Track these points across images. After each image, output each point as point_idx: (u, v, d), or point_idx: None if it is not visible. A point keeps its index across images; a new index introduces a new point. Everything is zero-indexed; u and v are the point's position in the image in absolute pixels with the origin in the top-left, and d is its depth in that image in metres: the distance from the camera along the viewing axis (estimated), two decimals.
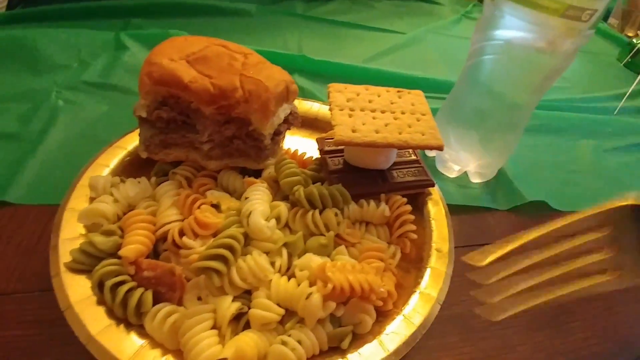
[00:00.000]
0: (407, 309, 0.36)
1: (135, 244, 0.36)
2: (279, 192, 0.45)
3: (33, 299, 0.38)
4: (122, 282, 0.34)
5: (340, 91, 0.47)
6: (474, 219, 0.53)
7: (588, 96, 0.83)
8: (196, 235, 0.38)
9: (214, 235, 0.39)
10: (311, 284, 0.35)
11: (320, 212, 0.41)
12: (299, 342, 0.32)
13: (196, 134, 0.44)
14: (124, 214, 0.40)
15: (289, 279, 0.36)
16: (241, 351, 0.30)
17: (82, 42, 0.72)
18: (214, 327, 0.33)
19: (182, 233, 0.38)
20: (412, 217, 0.44)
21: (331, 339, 0.34)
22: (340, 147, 0.47)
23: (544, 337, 0.41)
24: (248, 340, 0.31)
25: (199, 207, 0.39)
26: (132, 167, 0.47)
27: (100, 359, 0.30)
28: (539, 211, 0.54)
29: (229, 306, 0.33)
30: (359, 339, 0.35)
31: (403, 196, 0.45)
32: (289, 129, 0.50)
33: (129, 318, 0.33)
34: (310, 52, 0.78)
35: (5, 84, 0.62)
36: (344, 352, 0.33)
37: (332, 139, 0.49)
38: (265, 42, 0.82)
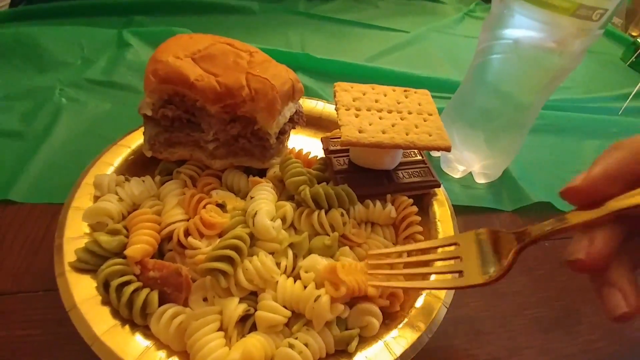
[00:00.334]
0: (414, 311, 0.36)
1: (141, 243, 0.36)
2: (284, 191, 0.45)
3: (38, 299, 0.38)
4: (127, 282, 0.34)
5: (347, 90, 0.46)
6: (479, 219, 0.53)
7: (592, 96, 0.82)
8: (202, 235, 0.38)
9: (220, 235, 0.38)
10: (317, 286, 0.35)
11: (326, 212, 0.41)
12: (306, 345, 0.32)
13: (201, 132, 0.44)
14: (129, 213, 0.40)
15: (294, 280, 0.36)
16: (248, 354, 0.30)
17: (85, 39, 0.72)
18: (220, 329, 0.33)
19: (187, 233, 0.38)
20: (418, 218, 0.44)
21: (338, 342, 0.33)
22: (345, 147, 0.47)
23: (551, 339, 0.41)
24: (255, 342, 0.31)
25: (204, 207, 0.39)
26: (136, 166, 0.47)
27: None
28: (544, 212, 0.54)
29: (235, 308, 0.33)
30: (365, 342, 0.34)
31: (409, 197, 0.45)
32: (294, 128, 0.49)
33: (135, 319, 0.33)
34: (313, 51, 0.77)
35: (9, 82, 0.62)
36: (350, 356, 0.33)
37: (337, 138, 0.49)
38: (268, 40, 0.82)
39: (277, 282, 0.35)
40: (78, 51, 0.70)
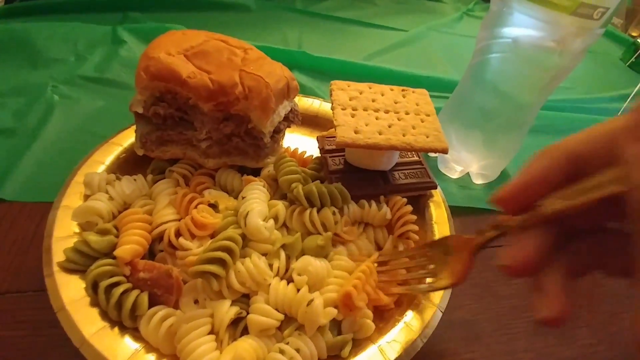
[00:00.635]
0: (408, 315, 0.35)
1: (131, 244, 0.35)
2: (277, 191, 0.44)
3: (27, 299, 0.37)
4: (117, 284, 0.33)
5: (343, 89, 0.46)
6: (476, 221, 0.52)
7: (591, 97, 0.82)
8: (193, 236, 0.37)
9: (212, 236, 0.38)
10: (311, 289, 0.34)
11: (318, 211, 0.40)
12: (297, 350, 0.31)
13: (194, 131, 0.43)
14: (120, 212, 0.40)
15: (287, 282, 0.35)
16: (239, 358, 0.29)
17: (78, 35, 0.71)
18: (211, 332, 0.32)
19: (178, 233, 0.37)
20: (413, 217, 0.43)
21: (330, 348, 0.33)
22: (339, 148, 0.46)
23: (548, 343, 0.40)
24: (246, 346, 0.30)
25: (196, 207, 0.38)
26: (128, 164, 0.46)
27: None
28: None
29: (227, 311, 0.32)
30: (359, 346, 0.34)
31: (404, 198, 0.44)
32: (289, 126, 0.48)
33: (124, 321, 0.32)
34: (310, 49, 0.77)
35: (1, 78, 0.61)
36: None
37: (333, 137, 0.48)
38: (265, 38, 0.81)
39: (269, 284, 0.35)
40: (71, 48, 0.69)
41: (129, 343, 0.31)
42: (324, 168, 0.46)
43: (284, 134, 0.49)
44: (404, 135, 0.42)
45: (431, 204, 0.46)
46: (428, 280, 0.34)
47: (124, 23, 0.77)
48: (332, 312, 0.33)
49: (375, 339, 0.34)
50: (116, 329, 0.32)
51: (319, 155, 0.48)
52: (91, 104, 0.60)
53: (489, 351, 0.39)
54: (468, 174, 0.57)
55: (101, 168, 0.44)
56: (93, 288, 0.33)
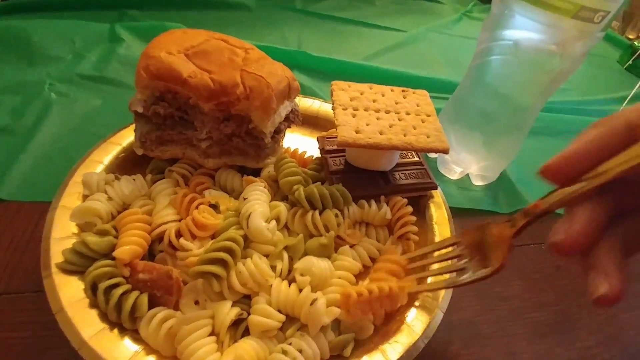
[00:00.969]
0: (410, 316, 0.35)
1: (131, 244, 0.35)
2: (278, 191, 0.44)
3: (25, 300, 0.37)
4: (116, 285, 0.33)
5: (344, 89, 0.46)
6: (476, 222, 0.51)
7: (589, 99, 0.82)
8: (194, 237, 0.37)
9: (212, 237, 0.37)
10: (313, 289, 0.34)
11: (320, 213, 0.40)
12: (300, 351, 0.31)
13: (194, 130, 0.43)
14: (119, 212, 0.39)
15: (289, 283, 0.35)
16: (240, 359, 0.29)
17: (76, 33, 0.71)
18: (212, 333, 0.32)
19: (179, 234, 0.37)
20: (413, 218, 0.43)
21: (333, 348, 0.33)
22: (340, 147, 0.46)
23: (548, 345, 0.40)
24: (248, 348, 0.30)
25: (197, 207, 0.38)
26: (127, 164, 0.45)
27: None
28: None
29: (228, 312, 0.32)
30: (361, 346, 0.34)
31: (405, 198, 0.44)
32: (290, 127, 0.48)
33: (123, 322, 0.32)
34: (310, 48, 0.76)
35: None
36: None
37: (333, 138, 0.48)
38: (264, 37, 0.81)
39: (271, 285, 0.34)
40: (69, 45, 0.68)
41: (128, 345, 0.31)
42: (325, 168, 0.46)
43: (285, 134, 0.49)
44: (404, 136, 0.42)
45: (432, 205, 0.46)
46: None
47: (122, 21, 0.77)
48: (335, 311, 0.33)
49: (377, 340, 0.34)
50: (116, 331, 0.32)
51: (319, 155, 0.48)
52: (89, 102, 0.59)
53: (489, 352, 0.39)
54: (468, 175, 0.57)
55: (100, 168, 0.43)
56: (92, 289, 0.33)
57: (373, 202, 0.43)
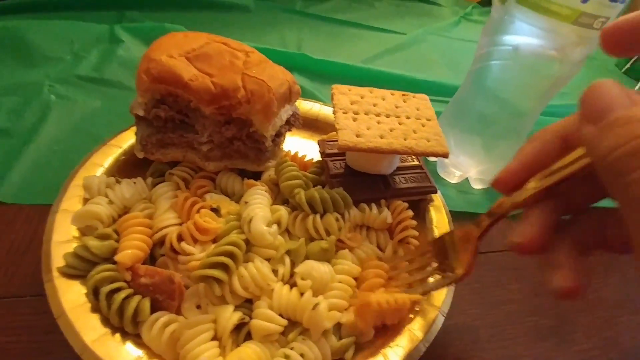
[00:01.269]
0: (411, 320, 0.35)
1: (132, 248, 0.35)
2: (278, 195, 0.44)
3: (25, 304, 0.37)
4: (118, 289, 0.33)
5: (344, 93, 0.46)
6: None
7: None
8: (195, 241, 0.37)
9: (214, 241, 0.37)
10: (315, 294, 0.34)
11: (321, 217, 0.40)
12: (302, 355, 0.31)
13: (195, 134, 0.43)
14: (120, 216, 0.39)
15: (290, 287, 0.35)
16: None
17: (75, 34, 0.70)
18: (214, 337, 0.32)
19: (180, 238, 0.37)
20: (414, 222, 0.43)
21: (335, 352, 0.33)
22: (341, 151, 0.46)
23: (547, 348, 0.41)
24: (250, 352, 0.30)
25: (198, 211, 0.38)
26: (127, 167, 0.45)
27: None
28: None
29: (230, 316, 0.32)
30: (362, 350, 0.34)
31: (405, 202, 0.44)
32: (290, 130, 0.48)
33: (125, 327, 0.32)
34: (309, 50, 0.76)
35: None
36: None
37: (333, 141, 0.48)
38: (263, 39, 0.81)
39: (272, 289, 0.34)
40: (68, 46, 0.68)
41: (130, 350, 0.31)
42: (325, 172, 0.46)
43: (285, 137, 0.49)
44: (405, 139, 0.42)
45: (431, 208, 0.47)
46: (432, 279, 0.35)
47: (122, 22, 0.77)
48: (337, 315, 0.33)
49: (379, 344, 0.34)
50: (118, 336, 0.32)
51: (320, 159, 0.48)
52: (88, 104, 0.59)
53: (488, 356, 0.39)
54: (467, 178, 0.57)
55: (100, 170, 0.43)
56: (94, 294, 0.33)
57: (374, 206, 0.43)
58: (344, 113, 0.43)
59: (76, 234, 0.37)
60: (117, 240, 0.36)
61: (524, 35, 0.41)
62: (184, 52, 0.42)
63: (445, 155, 0.42)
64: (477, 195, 0.56)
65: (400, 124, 0.44)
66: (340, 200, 0.40)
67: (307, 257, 0.38)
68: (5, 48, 0.65)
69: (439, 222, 0.45)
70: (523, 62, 0.43)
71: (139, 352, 0.31)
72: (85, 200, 0.40)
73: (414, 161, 0.49)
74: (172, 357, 0.31)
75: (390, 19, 1.01)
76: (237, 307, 0.34)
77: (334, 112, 0.44)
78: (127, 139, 0.47)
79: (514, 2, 0.41)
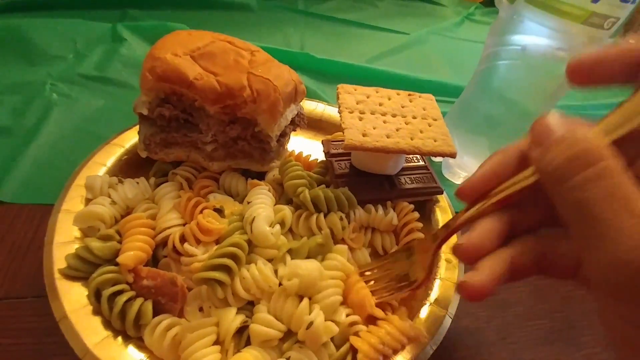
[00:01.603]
0: (418, 322, 0.35)
1: (135, 250, 0.34)
2: (282, 195, 0.44)
3: (26, 305, 0.36)
4: (120, 292, 0.32)
5: (350, 93, 0.45)
6: None
7: (590, 103, 0.82)
8: (198, 242, 0.36)
9: (217, 241, 0.37)
10: (304, 293, 0.33)
11: (325, 216, 0.39)
12: None
13: (199, 133, 0.42)
14: (122, 216, 0.39)
15: None
16: None
17: (77, 33, 0.70)
18: (216, 341, 0.31)
19: (183, 239, 0.36)
20: (419, 224, 0.43)
21: None
22: (348, 151, 0.45)
23: (554, 352, 0.40)
24: (251, 358, 0.30)
25: (201, 212, 0.38)
26: (130, 167, 0.45)
27: None
28: None
29: (233, 319, 0.32)
30: None
31: (411, 203, 0.44)
32: (295, 130, 0.48)
33: (128, 330, 0.31)
34: (312, 50, 0.76)
35: None
36: None
37: (338, 141, 0.48)
38: (266, 38, 0.80)
39: (274, 292, 0.34)
40: (70, 45, 0.67)
41: (132, 353, 0.30)
42: (330, 172, 0.46)
43: (289, 137, 0.48)
44: (412, 139, 0.41)
45: (437, 209, 0.46)
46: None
47: (124, 21, 0.76)
48: (334, 328, 0.32)
49: None
50: (120, 339, 0.31)
51: (324, 159, 0.48)
52: (91, 103, 0.58)
53: (495, 359, 0.39)
54: None
55: (102, 170, 0.43)
56: (96, 296, 0.32)
57: (380, 207, 0.42)
58: (350, 112, 0.43)
59: (78, 234, 0.37)
60: (120, 242, 0.35)
61: (533, 35, 0.41)
62: (189, 50, 0.41)
63: (453, 155, 0.42)
64: None
65: (406, 123, 0.43)
66: (344, 200, 0.40)
67: (308, 255, 0.37)
68: (8, 46, 0.64)
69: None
70: (531, 63, 0.42)
71: (141, 356, 0.30)
72: (88, 201, 0.39)
73: (419, 161, 0.49)
74: None
75: (393, 19, 1.01)
76: (239, 310, 0.33)
77: (340, 112, 0.43)
78: (130, 138, 0.46)
79: (523, 2, 0.40)
